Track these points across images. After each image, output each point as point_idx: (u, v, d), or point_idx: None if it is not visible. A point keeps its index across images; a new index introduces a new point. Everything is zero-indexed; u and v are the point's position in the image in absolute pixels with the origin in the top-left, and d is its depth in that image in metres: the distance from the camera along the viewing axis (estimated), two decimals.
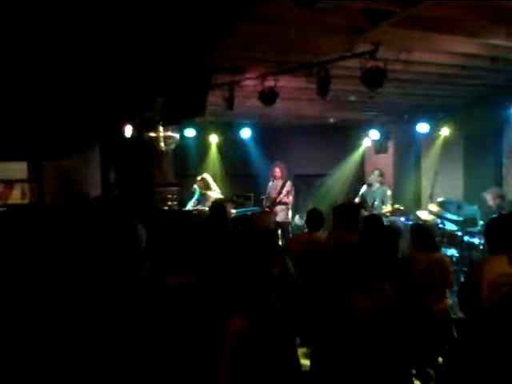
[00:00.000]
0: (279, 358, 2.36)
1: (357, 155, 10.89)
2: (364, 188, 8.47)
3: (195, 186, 8.75)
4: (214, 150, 10.11)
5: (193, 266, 2.33)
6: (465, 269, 6.21)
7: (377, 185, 8.39)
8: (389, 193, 8.29)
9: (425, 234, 4.68)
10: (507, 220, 3.68)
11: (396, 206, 8.07)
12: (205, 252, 2.55)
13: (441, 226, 7.15)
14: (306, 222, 5.21)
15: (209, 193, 8.66)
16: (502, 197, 6.85)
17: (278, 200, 8.45)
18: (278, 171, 8.67)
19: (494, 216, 4.29)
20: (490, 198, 6.87)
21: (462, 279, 5.93)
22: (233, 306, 2.34)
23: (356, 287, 2.41)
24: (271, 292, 2.55)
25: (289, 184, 8.52)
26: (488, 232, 3.67)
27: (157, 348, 2.20)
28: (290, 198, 8.49)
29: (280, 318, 2.43)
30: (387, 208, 7.96)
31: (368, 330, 2.30)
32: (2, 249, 3.65)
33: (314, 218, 5.12)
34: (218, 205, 5.15)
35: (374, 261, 3.26)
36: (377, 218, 5.02)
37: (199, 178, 8.86)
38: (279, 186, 8.54)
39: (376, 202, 8.16)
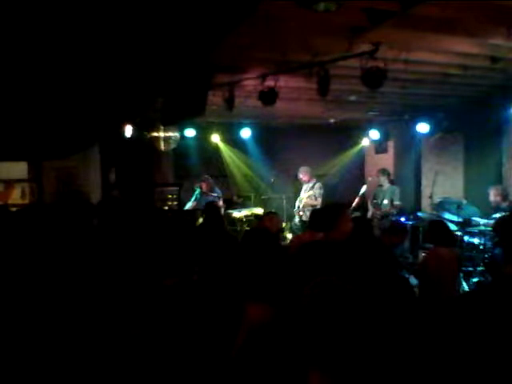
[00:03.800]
0: None
1: (357, 155, 10.90)
2: (364, 188, 8.49)
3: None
4: (224, 149, 10.15)
5: (190, 266, 2.33)
6: (465, 269, 6.21)
7: (387, 184, 8.42)
8: (397, 191, 8.37)
9: (444, 230, 4.78)
10: None
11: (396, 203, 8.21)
12: (202, 252, 2.55)
13: None
14: (308, 222, 5.22)
15: (214, 194, 8.67)
16: (503, 196, 6.83)
17: (303, 202, 8.57)
18: (300, 175, 8.85)
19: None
20: (492, 194, 6.87)
21: (462, 279, 5.94)
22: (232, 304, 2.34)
23: (310, 284, 2.42)
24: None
25: (317, 186, 8.59)
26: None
27: (155, 347, 2.20)
28: (319, 200, 8.53)
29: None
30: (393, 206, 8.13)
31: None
32: (2, 249, 3.65)
33: (316, 219, 5.12)
34: (212, 205, 5.22)
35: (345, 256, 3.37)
36: (363, 220, 5.10)
37: (203, 178, 8.85)
38: (308, 188, 8.66)
39: (385, 202, 8.22)
